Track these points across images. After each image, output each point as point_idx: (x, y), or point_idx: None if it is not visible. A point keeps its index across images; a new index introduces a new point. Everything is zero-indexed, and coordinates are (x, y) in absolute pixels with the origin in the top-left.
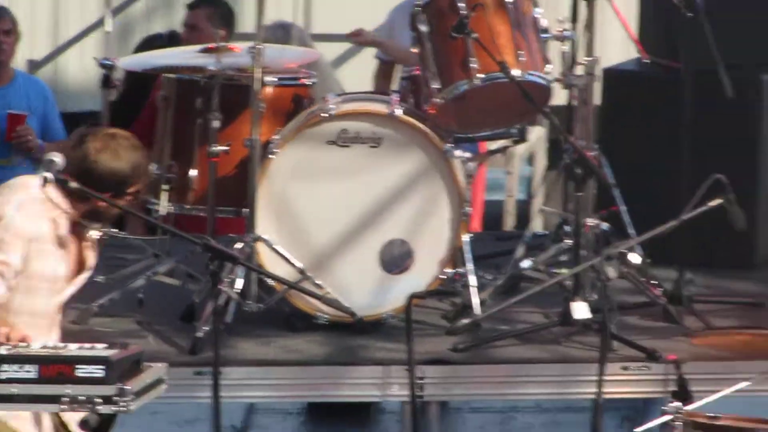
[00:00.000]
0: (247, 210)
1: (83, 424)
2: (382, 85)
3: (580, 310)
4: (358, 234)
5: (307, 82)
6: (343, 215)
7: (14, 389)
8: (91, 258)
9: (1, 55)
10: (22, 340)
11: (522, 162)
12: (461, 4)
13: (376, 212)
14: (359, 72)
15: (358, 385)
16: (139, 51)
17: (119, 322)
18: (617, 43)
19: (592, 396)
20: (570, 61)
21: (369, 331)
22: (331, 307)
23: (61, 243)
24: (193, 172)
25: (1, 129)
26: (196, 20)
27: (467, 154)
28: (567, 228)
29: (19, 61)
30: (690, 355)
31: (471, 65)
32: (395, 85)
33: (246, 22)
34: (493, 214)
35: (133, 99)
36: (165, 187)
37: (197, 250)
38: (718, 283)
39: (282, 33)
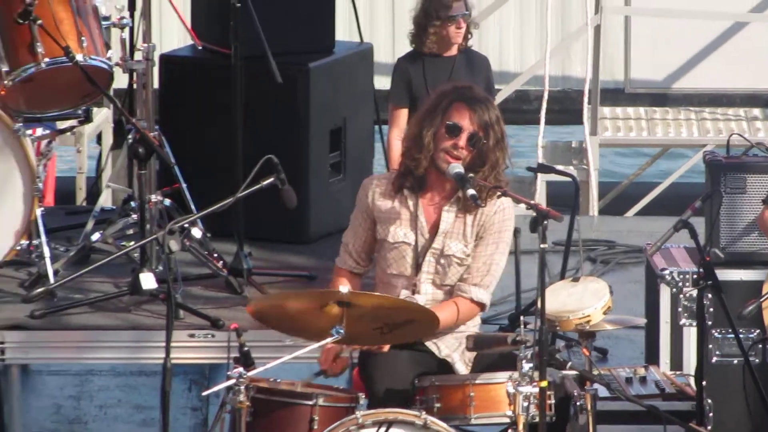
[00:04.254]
0: None
1: None
2: None
3: (148, 281)
4: None
5: None
6: None
7: None
8: None
9: None
10: None
11: (90, 141)
12: None
13: None
14: None
15: None
16: None
17: None
18: (174, 31)
19: (162, 361)
20: (129, 47)
21: None
22: None
23: None
24: None
25: None
26: None
27: (42, 131)
28: (133, 203)
29: None
30: (251, 323)
31: (37, 50)
32: None
33: None
34: (65, 189)
35: None
36: None
37: None
38: (275, 257)
39: None
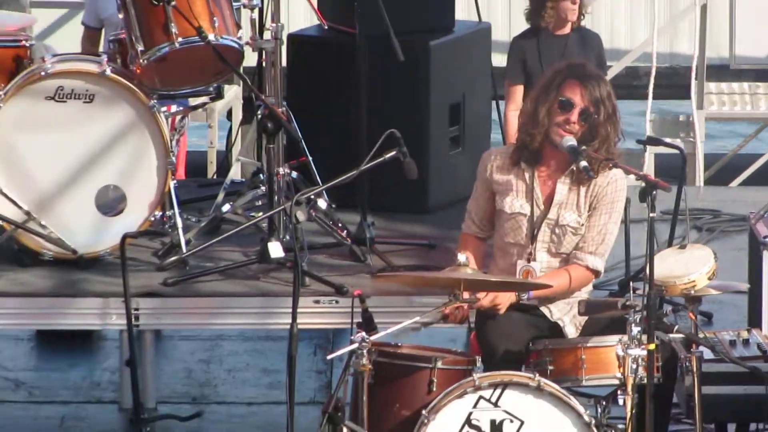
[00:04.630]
0: None
1: None
2: (88, 49)
3: (275, 250)
4: (77, 180)
5: (26, 43)
6: (63, 163)
7: None
8: None
9: None
10: None
11: (221, 117)
12: None
13: (92, 160)
14: (72, 37)
15: (80, 314)
16: None
17: None
18: (300, 11)
19: (288, 326)
20: (258, 27)
21: (89, 267)
22: (55, 245)
23: None
24: None
25: None
26: None
27: (176, 108)
28: (261, 176)
29: None
30: (373, 290)
31: (171, 30)
32: (101, 49)
33: None
34: (197, 163)
35: None
36: None
37: None
38: (396, 227)
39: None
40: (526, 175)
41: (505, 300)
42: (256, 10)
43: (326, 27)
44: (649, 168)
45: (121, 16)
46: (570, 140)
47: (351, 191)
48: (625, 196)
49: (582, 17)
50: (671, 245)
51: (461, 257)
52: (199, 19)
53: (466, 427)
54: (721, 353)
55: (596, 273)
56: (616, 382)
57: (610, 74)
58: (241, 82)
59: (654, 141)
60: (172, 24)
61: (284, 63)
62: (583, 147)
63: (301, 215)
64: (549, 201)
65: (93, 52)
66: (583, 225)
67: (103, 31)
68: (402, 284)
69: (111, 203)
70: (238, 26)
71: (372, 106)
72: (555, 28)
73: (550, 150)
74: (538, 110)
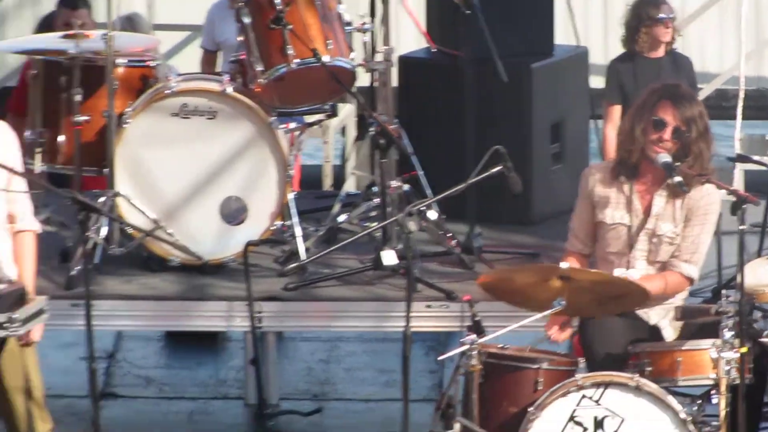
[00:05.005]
0: (107, 170)
1: None
2: (206, 70)
3: (389, 257)
4: (201, 191)
5: (151, 63)
6: (188, 175)
7: None
8: None
9: None
10: None
11: (336, 133)
12: (277, 0)
13: (215, 173)
14: (192, 58)
15: (207, 317)
16: (39, 31)
17: None
18: (410, 35)
19: (402, 329)
20: (370, 50)
21: (214, 273)
22: (182, 252)
23: None
24: (61, 138)
25: None
26: (83, 18)
27: (294, 125)
28: (375, 189)
29: None
30: (481, 295)
31: (288, 52)
32: (219, 69)
33: (100, 12)
34: (313, 176)
35: None
36: (38, 149)
37: (67, 203)
38: (502, 236)
39: (129, 23)
40: (625, 188)
41: None
42: (368, 34)
43: (434, 50)
44: (738, 183)
45: (241, 38)
46: (665, 157)
47: (459, 203)
48: (718, 210)
49: (674, 39)
50: (760, 256)
51: (564, 265)
52: (314, 42)
53: (570, 424)
54: None
55: (690, 280)
56: (711, 382)
57: (701, 96)
58: (355, 101)
59: (743, 158)
60: (289, 46)
61: (395, 83)
62: (677, 163)
63: (412, 225)
64: (647, 212)
65: (212, 73)
66: (678, 235)
67: (219, 53)
68: (505, 301)
69: (234, 213)
70: (351, 49)
71: (478, 123)
72: (649, 51)
73: (646, 165)
74: (635, 128)
